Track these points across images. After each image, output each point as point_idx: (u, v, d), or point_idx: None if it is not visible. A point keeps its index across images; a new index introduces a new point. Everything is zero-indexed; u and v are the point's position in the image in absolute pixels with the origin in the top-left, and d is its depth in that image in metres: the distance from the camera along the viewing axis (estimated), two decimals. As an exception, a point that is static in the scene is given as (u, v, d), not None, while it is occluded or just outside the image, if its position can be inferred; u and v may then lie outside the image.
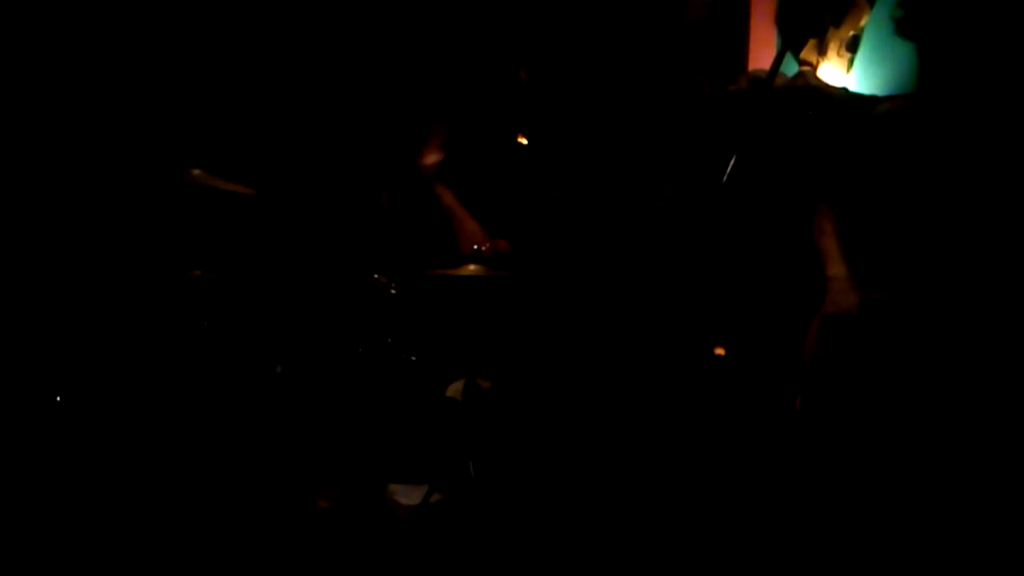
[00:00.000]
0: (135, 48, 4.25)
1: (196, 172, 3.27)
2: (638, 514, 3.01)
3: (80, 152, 4.27)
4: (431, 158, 3.71)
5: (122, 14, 4.25)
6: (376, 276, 3.35)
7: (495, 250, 3.39)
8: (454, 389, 3.21)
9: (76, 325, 3.94)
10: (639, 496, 3.04)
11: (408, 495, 3.25)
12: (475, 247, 3.20)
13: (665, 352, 3.11)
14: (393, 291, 3.34)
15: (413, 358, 3.30)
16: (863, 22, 3.41)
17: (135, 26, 4.27)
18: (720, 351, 3.06)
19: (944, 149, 2.54)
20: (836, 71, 3.41)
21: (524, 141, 3.63)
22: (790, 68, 3.41)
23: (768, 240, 3.10)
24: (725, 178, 2.43)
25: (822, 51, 3.39)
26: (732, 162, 2.42)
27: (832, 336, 2.56)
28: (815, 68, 3.39)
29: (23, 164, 4.27)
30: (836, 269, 2.65)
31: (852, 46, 3.42)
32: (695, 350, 3.08)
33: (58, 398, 3.27)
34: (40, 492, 3.17)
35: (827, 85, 3.36)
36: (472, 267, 3.14)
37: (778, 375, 2.93)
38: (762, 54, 3.57)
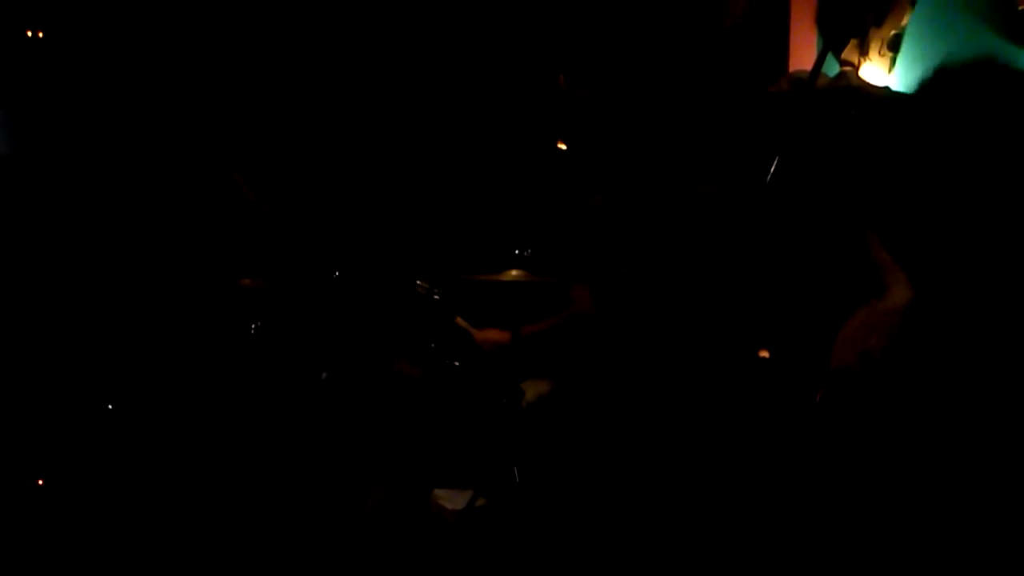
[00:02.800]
0: (177, 60, 4.32)
1: (238, 177, 3.31)
2: (684, 518, 3.01)
3: (128, 160, 4.35)
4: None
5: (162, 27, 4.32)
6: (419, 282, 3.38)
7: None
8: (531, 389, 3.20)
9: (126, 332, 4.01)
10: (684, 500, 3.03)
11: (453, 500, 3.26)
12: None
13: (709, 355, 3.10)
14: (436, 297, 3.36)
15: (456, 363, 3.32)
16: (905, 21, 3.38)
17: (176, 38, 4.34)
18: (764, 354, 3.04)
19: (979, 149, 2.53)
20: (878, 71, 3.39)
21: (563, 147, 3.64)
22: (832, 68, 3.39)
23: (811, 242, 3.09)
24: (768, 180, 2.42)
25: (864, 51, 3.37)
26: (775, 164, 2.41)
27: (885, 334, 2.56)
28: (857, 68, 3.37)
29: (72, 172, 4.36)
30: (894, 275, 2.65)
31: (894, 45, 3.40)
32: (739, 353, 3.06)
33: (110, 405, 3.32)
34: (95, 493, 3.23)
35: (869, 85, 3.33)
36: (514, 272, 3.15)
37: (817, 376, 2.91)
38: (803, 55, 3.56)
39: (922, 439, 2.42)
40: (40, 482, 3.45)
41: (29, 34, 4.35)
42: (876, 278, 2.70)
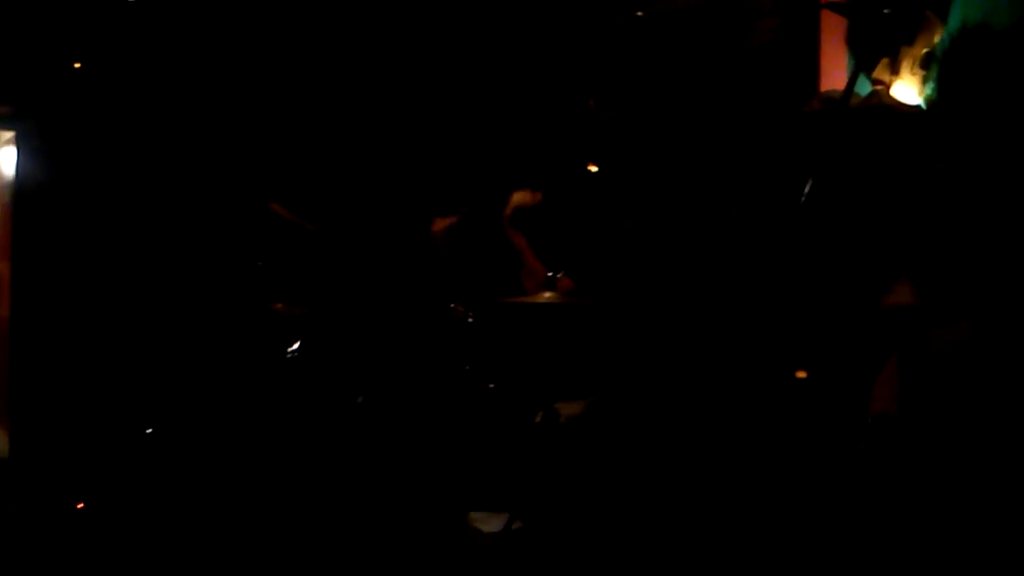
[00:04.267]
0: (217, 85, 4.39)
1: (277, 207, 3.35)
2: (722, 540, 2.99)
3: (167, 186, 4.41)
4: (515, 204, 3.70)
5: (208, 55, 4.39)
6: (453, 305, 3.39)
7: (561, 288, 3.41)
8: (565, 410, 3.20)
9: (165, 357, 4.05)
10: (722, 522, 3.02)
11: (489, 523, 3.26)
12: (539, 286, 3.23)
13: (745, 377, 3.09)
14: (470, 320, 3.38)
15: (491, 385, 3.33)
16: (936, 39, 3.37)
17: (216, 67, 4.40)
18: (802, 375, 3.03)
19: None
20: (910, 89, 3.38)
21: (594, 169, 3.65)
22: (863, 87, 3.38)
23: (846, 261, 3.08)
24: (803, 201, 2.42)
25: (895, 70, 3.36)
26: (809, 184, 2.41)
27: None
28: (888, 87, 3.36)
29: (110, 199, 4.42)
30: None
31: (926, 64, 3.39)
32: (776, 374, 3.05)
33: (149, 430, 3.36)
34: (135, 512, 3.26)
35: (901, 104, 3.33)
36: (548, 295, 3.16)
37: (857, 400, 2.89)
38: (834, 74, 3.55)
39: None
40: (80, 505, 3.49)
41: (69, 66, 4.43)
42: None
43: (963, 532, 2.36)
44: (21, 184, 4.76)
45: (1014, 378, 2.38)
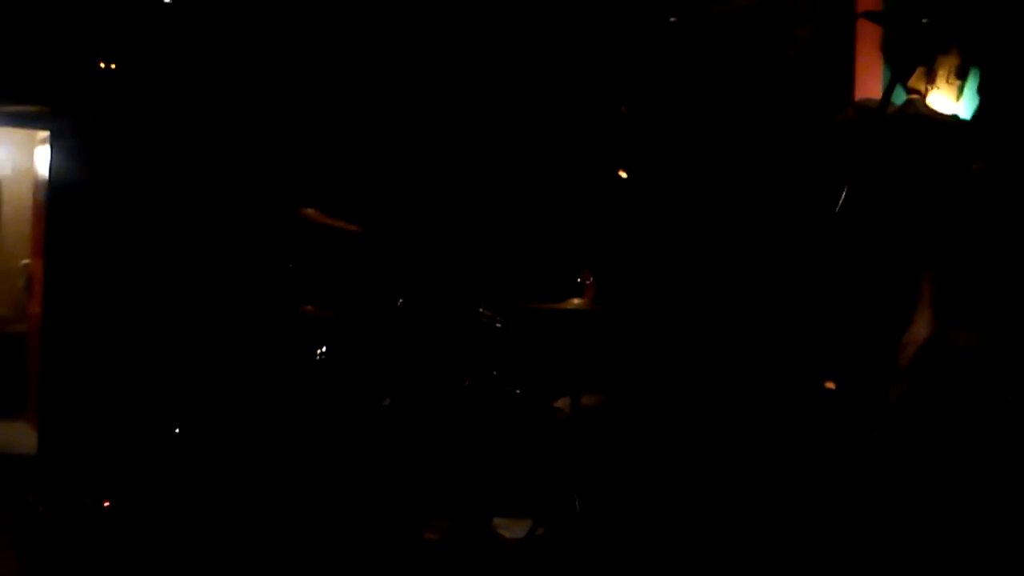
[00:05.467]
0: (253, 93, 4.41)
1: (309, 211, 3.37)
2: (744, 547, 2.97)
3: (199, 186, 4.44)
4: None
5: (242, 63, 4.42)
6: (481, 310, 3.39)
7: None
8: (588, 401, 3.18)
9: (195, 357, 4.07)
10: (745, 529, 2.99)
11: (513, 529, 3.25)
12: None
13: (774, 385, 3.06)
14: (498, 325, 3.37)
15: (518, 391, 3.32)
16: (972, 49, 3.34)
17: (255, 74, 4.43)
18: (831, 385, 3.00)
19: None
20: (946, 99, 3.34)
21: (624, 175, 3.64)
22: (899, 97, 3.35)
23: (880, 271, 3.05)
24: (837, 209, 2.40)
25: (931, 79, 3.33)
26: (844, 193, 2.39)
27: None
28: (924, 96, 3.33)
29: (147, 200, 4.45)
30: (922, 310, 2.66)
31: (962, 73, 3.35)
32: (805, 383, 3.03)
33: (177, 430, 3.37)
34: (162, 513, 3.27)
35: (937, 113, 3.29)
36: (576, 301, 3.15)
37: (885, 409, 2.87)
38: (869, 83, 3.52)
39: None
40: (106, 503, 3.51)
41: (102, 65, 4.47)
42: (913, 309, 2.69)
43: (975, 524, 2.34)
44: (55, 183, 4.81)
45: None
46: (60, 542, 3.50)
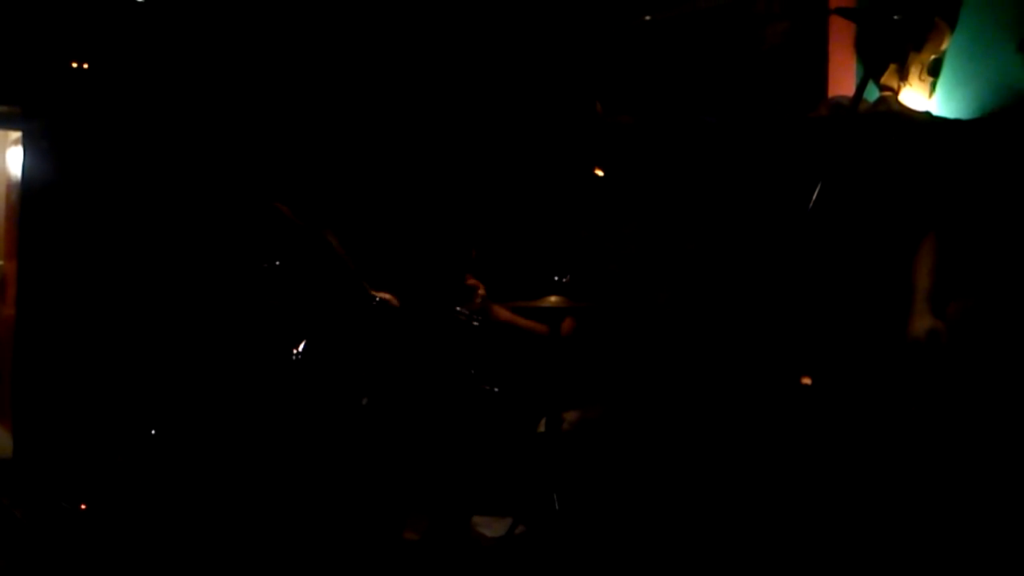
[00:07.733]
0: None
1: (281, 206, 3.36)
2: (725, 546, 2.98)
3: (173, 186, 4.42)
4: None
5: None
6: (458, 309, 3.38)
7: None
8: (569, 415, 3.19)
9: (170, 357, 4.06)
10: (725, 527, 3.01)
11: (492, 527, 3.25)
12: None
13: (750, 383, 3.08)
14: (475, 324, 3.37)
15: (496, 390, 3.32)
16: (944, 46, 3.37)
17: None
18: (807, 380, 3.02)
19: None
20: (918, 96, 3.37)
21: (600, 173, 3.64)
22: (871, 94, 3.38)
23: (854, 268, 3.07)
24: (810, 207, 2.41)
25: (903, 76, 3.36)
26: (817, 190, 2.41)
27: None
28: (897, 93, 3.36)
29: (120, 201, 4.43)
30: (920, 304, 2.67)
31: (934, 70, 3.38)
32: (781, 380, 3.05)
33: (153, 431, 3.36)
34: (136, 514, 3.26)
35: (910, 110, 3.32)
36: (553, 299, 3.15)
37: (865, 405, 2.89)
38: (842, 80, 3.55)
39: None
40: (83, 506, 3.49)
41: (75, 65, 4.43)
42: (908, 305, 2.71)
43: (976, 525, 2.36)
44: (28, 184, 4.77)
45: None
46: (35, 545, 3.48)
